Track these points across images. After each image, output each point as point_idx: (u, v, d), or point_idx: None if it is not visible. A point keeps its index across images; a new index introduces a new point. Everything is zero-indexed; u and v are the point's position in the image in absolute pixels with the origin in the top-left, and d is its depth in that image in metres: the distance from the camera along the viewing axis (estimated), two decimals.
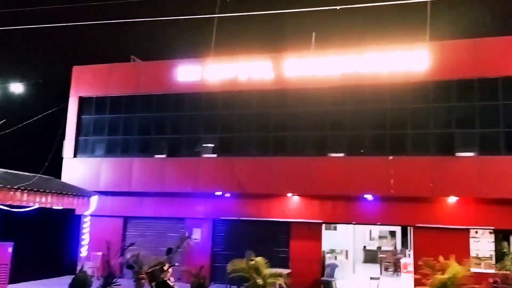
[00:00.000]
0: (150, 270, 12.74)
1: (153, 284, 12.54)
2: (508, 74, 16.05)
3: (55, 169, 19.31)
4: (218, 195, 18.78)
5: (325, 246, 18.66)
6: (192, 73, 19.41)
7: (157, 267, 12.78)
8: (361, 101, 17.54)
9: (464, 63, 16.53)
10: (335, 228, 20.53)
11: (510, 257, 15.48)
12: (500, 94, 16.30)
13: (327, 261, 18.45)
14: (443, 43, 17.08)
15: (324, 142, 17.89)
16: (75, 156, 20.41)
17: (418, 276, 14.84)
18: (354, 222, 18.80)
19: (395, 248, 24.37)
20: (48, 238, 18.33)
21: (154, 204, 19.63)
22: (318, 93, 17.90)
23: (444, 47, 16.93)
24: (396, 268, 21.34)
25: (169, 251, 14.62)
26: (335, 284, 17.35)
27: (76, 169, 20.17)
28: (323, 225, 18.22)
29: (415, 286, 15.91)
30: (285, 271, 16.50)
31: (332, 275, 17.53)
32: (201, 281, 15.53)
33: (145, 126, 20.16)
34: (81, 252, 18.69)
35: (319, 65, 17.87)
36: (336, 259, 19.40)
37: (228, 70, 18.92)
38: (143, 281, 14.34)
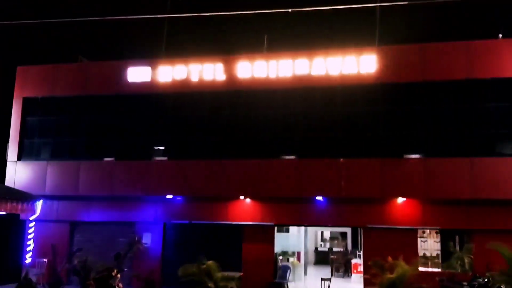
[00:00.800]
0: (97, 276, 12.39)
1: None
2: (453, 77, 16.61)
3: None
4: (169, 199, 18.47)
5: (277, 248, 18.70)
6: (142, 74, 19.00)
7: (105, 273, 12.44)
8: (313, 103, 17.69)
9: (411, 67, 16.99)
10: (287, 230, 20.61)
11: (456, 256, 16.04)
12: (446, 97, 16.86)
13: (279, 263, 18.49)
14: (391, 47, 17.48)
15: (276, 144, 17.93)
16: (19, 159, 19.54)
17: (367, 276, 15.12)
18: (306, 224, 18.97)
19: (346, 249, 24.76)
20: None
21: (102, 208, 19.05)
22: (270, 95, 17.94)
23: (392, 51, 17.33)
24: (347, 269, 21.67)
25: (118, 256, 14.25)
26: (287, 286, 17.40)
27: (20, 172, 19.32)
28: (275, 228, 18.26)
29: (365, 286, 16.20)
30: (237, 274, 16.42)
31: (284, 277, 17.57)
32: (151, 286, 15.19)
33: (93, 128, 19.57)
34: (25, 259, 17.97)
35: (271, 68, 17.91)
36: (288, 261, 19.48)
37: (179, 72, 18.65)
38: (90, 287, 13.88)
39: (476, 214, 16.12)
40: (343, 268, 22.00)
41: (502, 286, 13.14)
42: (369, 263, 14.81)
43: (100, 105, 19.61)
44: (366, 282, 15.82)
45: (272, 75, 17.86)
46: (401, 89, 17.11)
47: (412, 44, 17.47)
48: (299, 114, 17.82)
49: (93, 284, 12.29)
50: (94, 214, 19.07)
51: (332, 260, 22.71)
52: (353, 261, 20.69)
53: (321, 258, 25.29)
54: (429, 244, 17.09)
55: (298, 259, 21.03)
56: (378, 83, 17.07)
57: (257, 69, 18.04)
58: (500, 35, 16.97)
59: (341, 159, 16.96)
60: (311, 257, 25.47)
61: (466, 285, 14.20)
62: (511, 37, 16.60)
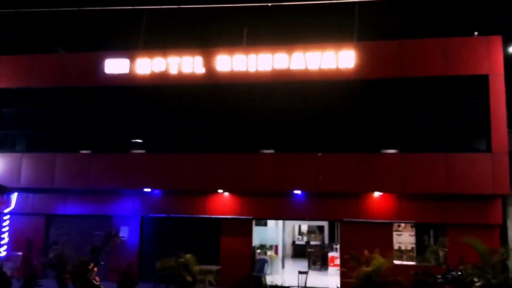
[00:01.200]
0: (74, 270, 12.27)
1: (77, 284, 12.09)
2: (430, 74, 16.84)
3: None
4: (147, 192, 18.36)
5: (255, 241, 18.77)
6: (120, 66, 18.79)
7: (82, 267, 12.34)
8: (292, 98, 17.75)
9: (389, 63, 17.16)
10: (265, 224, 20.70)
11: (430, 249, 16.31)
12: (422, 94, 17.09)
13: (257, 257, 18.58)
14: (370, 43, 17.62)
15: (255, 138, 17.96)
16: None
17: (344, 269, 15.30)
18: (284, 218, 19.07)
19: (323, 242, 24.99)
20: None
21: (79, 202, 18.85)
22: (249, 89, 17.95)
23: (371, 47, 17.48)
24: (324, 262, 21.89)
25: (95, 250, 14.12)
26: (265, 279, 17.50)
27: None
28: (254, 221, 18.32)
29: (341, 279, 16.38)
30: (215, 267, 16.46)
31: (261, 270, 17.67)
32: (128, 280, 15.09)
33: (69, 120, 19.30)
34: (0, 252, 17.67)
35: (251, 62, 17.89)
36: (265, 254, 19.59)
37: (158, 64, 18.50)
38: (66, 281, 13.74)
39: (450, 208, 16.45)
40: (320, 261, 22.21)
41: (475, 279, 13.42)
42: (346, 256, 14.98)
43: (77, 96, 19.35)
44: (342, 275, 16.00)
45: (252, 69, 17.84)
46: (379, 85, 17.29)
47: (390, 40, 17.60)
48: (278, 108, 17.87)
49: (69, 277, 12.19)
50: (71, 207, 18.85)
51: (309, 254, 22.91)
52: (330, 254, 20.91)
53: (299, 252, 25.48)
54: (404, 237, 17.35)
55: (276, 252, 21.17)
56: (357, 79, 17.20)
57: (236, 63, 18.00)
58: (476, 33, 17.24)
59: (319, 154, 17.08)
60: (289, 250, 25.65)
61: (440, 278, 14.48)
62: (486, 34, 16.87)
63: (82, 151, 18.77)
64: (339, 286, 16.52)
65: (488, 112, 16.27)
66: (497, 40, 16.59)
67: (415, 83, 17.05)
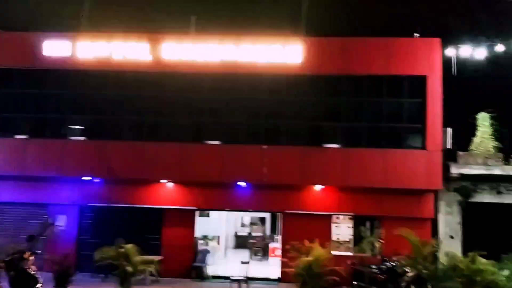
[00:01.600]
0: (8, 259, 11.75)
1: (11, 273, 11.59)
2: (372, 72, 17.39)
3: None
4: (86, 180, 17.83)
5: (198, 232, 18.73)
6: (61, 48, 18.06)
7: (16, 255, 11.83)
8: (238, 90, 17.76)
9: (334, 60, 17.54)
10: (208, 215, 20.69)
11: (366, 241, 16.96)
12: (364, 91, 17.65)
13: (199, 247, 18.55)
14: (316, 39, 17.86)
15: (200, 128, 17.87)
16: None
17: (285, 260, 15.61)
18: (227, 209, 19.12)
19: (265, 233, 25.29)
20: None
21: (13, 188, 17.99)
22: (196, 79, 17.78)
23: (317, 43, 17.74)
24: (265, 252, 22.18)
25: (31, 238, 13.52)
26: (206, 269, 17.54)
27: None
28: (197, 212, 18.26)
29: (282, 268, 16.70)
30: (156, 258, 16.29)
31: (203, 261, 17.69)
32: (65, 270, 14.66)
33: (4, 103, 18.37)
34: None
35: (198, 51, 17.72)
36: (208, 245, 19.59)
37: (101, 48, 17.93)
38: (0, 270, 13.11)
39: (386, 201, 17.09)
40: (261, 252, 22.48)
41: (407, 269, 14.13)
42: (287, 247, 15.29)
43: (13, 78, 18.46)
44: (283, 265, 16.32)
45: (199, 58, 17.66)
46: (324, 81, 17.63)
47: (336, 37, 17.96)
48: (224, 99, 17.84)
49: (3, 266, 11.64)
50: (5, 194, 17.97)
51: (251, 244, 23.14)
52: (271, 245, 21.21)
53: (241, 242, 25.64)
54: (342, 229, 17.89)
55: (218, 243, 21.23)
56: (302, 74, 17.41)
57: (183, 50, 17.76)
58: (417, 35, 17.95)
59: (264, 146, 17.24)
60: (231, 241, 25.76)
61: (375, 268, 15.10)
62: (428, 36, 17.59)
63: (17, 136, 17.94)
64: (280, 276, 16.85)
65: (424, 112, 17.05)
66: (436, 42, 17.37)
67: (358, 80, 17.58)
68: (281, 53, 17.51)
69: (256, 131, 17.73)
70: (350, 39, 17.77)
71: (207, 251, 18.19)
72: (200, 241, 19.15)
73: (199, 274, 17.32)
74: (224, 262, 20.68)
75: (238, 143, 17.49)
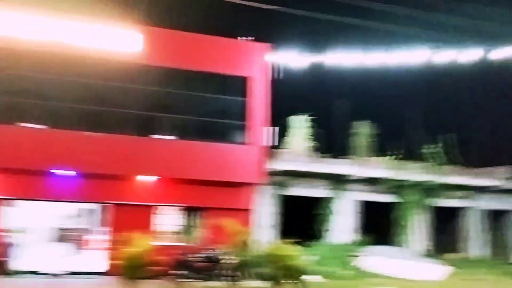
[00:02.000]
0: None
1: None
2: (203, 68, 18.01)
3: None
4: None
5: (4, 224, 17.06)
6: None
7: None
8: (66, 72, 16.78)
9: (168, 52, 17.77)
10: (15, 205, 19.01)
11: (190, 231, 17.57)
12: (193, 86, 18.20)
13: (7, 240, 17.03)
14: (151, 29, 17.86)
15: (16, 109, 16.44)
16: None
17: (111, 251, 15.35)
18: (42, 199, 17.81)
19: (91, 225, 24.36)
20: None
21: None
22: (21, 55, 16.32)
23: (154, 33, 17.77)
24: (87, 244, 21.36)
25: None
26: (11, 264, 16.30)
27: None
28: (2, 201, 16.67)
29: (108, 260, 16.36)
30: None
31: (7, 255, 16.38)
32: None
33: None
34: None
35: (21, 24, 16.31)
36: (13, 238, 18.00)
37: None
38: None
39: (210, 193, 17.87)
40: (83, 244, 21.61)
41: (227, 257, 15.05)
42: (112, 238, 15.06)
43: None
44: (111, 258, 16.02)
45: (22, 34, 16.26)
46: (156, 72, 17.72)
47: (171, 30, 18.15)
48: (50, 80, 16.72)
49: None
50: None
51: (74, 237, 22.10)
52: (97, 237, 20.54)
53: (63, 235, 24.32)
54: (168, 219, 18.21)
55: (36, 235, 19.76)
56: (137, 63, 17.29)
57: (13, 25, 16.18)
58: (248, 38, 19.11)
59: (92, 133, 16.63)
60: (51, 234, 24.25)
61: (198, 257, 15.73)
62: (264, 40, 18.84)
63: None
64: (108, 269, 16.51)
65: (247, 110, 18.27)
66: (260, 46, 18.79)
67: (189, 75, 18.08)
68: (117, 39, 17.16)
69: (84, 117, 16.95)
70: (185, 34, 18.17)
71: (11, 244, 16.80)
72: (11, 234, 17.48)
73: (2, 269, 16.01)
74: (38, 256, 19.29)
75: (64, 128, 16.53)
